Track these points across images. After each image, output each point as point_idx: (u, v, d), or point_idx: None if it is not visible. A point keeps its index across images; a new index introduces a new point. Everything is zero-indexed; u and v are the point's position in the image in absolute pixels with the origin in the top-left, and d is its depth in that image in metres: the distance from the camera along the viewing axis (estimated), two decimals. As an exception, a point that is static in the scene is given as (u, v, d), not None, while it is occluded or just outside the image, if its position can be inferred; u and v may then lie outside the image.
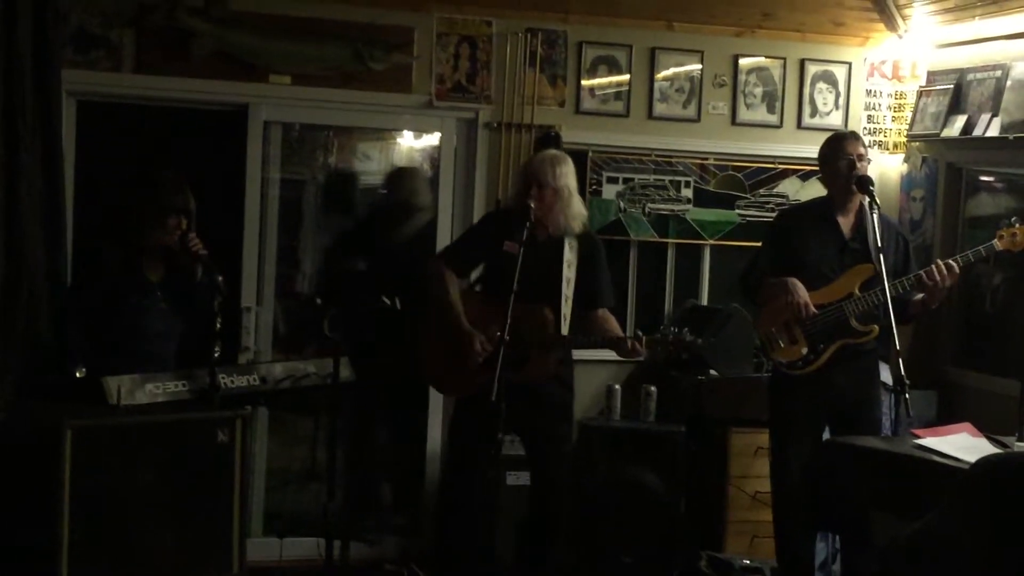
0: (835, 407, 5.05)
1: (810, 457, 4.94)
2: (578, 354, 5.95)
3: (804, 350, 5.02)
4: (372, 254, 6.28)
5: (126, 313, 4.66)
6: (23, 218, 4.78)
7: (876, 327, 4.89)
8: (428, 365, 5.11)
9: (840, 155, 5.05)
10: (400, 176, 6.40)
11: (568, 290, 4.87)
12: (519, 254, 4.65)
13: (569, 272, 4.89)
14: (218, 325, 4.42)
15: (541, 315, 4.82)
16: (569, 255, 4.90)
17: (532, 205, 4.81)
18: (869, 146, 5.48)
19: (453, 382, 5.07)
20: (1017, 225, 4.87)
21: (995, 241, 4.89)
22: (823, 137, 5.26)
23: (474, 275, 5.19)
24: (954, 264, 4.84)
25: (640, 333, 4.80)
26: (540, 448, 5.04)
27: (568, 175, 4.93)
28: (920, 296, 4.96)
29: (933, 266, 4.85)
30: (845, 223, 5.08)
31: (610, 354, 6.16)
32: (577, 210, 4.98)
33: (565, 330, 4.87)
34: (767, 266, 5.15)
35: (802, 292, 4.96)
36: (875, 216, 4.85)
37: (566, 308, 4.85)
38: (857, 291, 4.96)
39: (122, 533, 4.06)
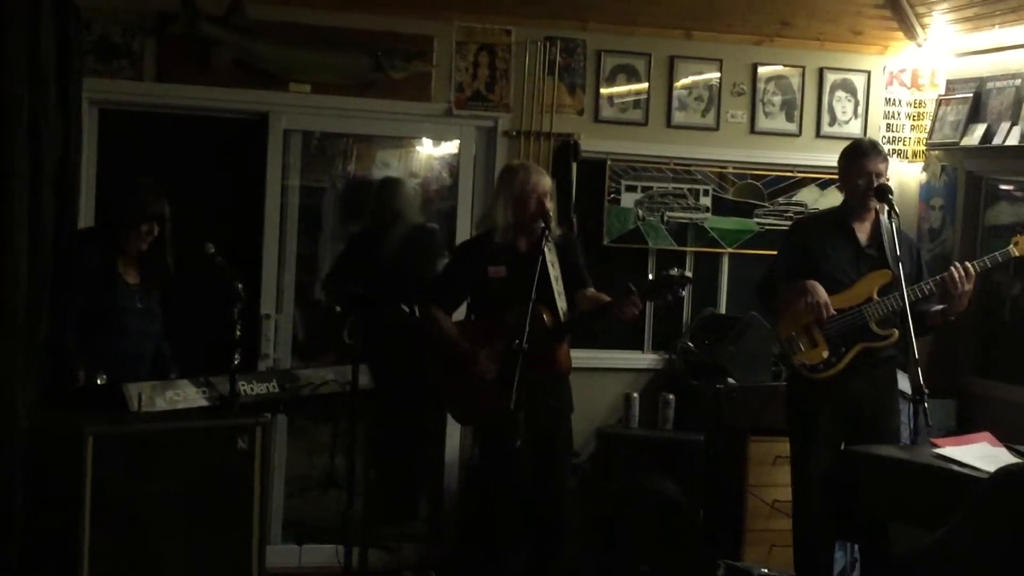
0: (853, 415, 5.01)
1: (830, 465, 4.93)
2: (597, 362, 6.03)
3: (825, 353, 4.97)
4: (373, 276, 6.24)
5: (109, 313, 4.75)
6: (46, 225, 4.81)
7: (896, 331, 4.87)
8: (446, 400, 5.15)
9: (859, 172, 4.99)
10: (380, 189, 6.32)
11: (558, 287, 4.90)
12: (539, 264, 4.69)
13: (555, 271, 4.91)
14: (238, 333, 4.45)
15: (538, 311, 4.79)
16: (550, 256, 4.92)
17: (551, 214, 4.87)
18: (888, 155, 5.41)
19: (471, 410, 5.04)
20: None
21: (1011, 247, 4.86)
22: (842, 146, 5.21)
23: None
24: (971, 267, 4.82)
25: (631, 286, 4.79)
26: (551, 456, 5.00)
27: None
28: (939, 307, 4.92)
29: (952, 268, 4.82)
30: (861, 230, 5.06)
31: (628, 362, 6.25)
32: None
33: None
34: (783, 273, 5.13)
35: (821, 293, 4.92)
36: (893, 223, 4.85)
37: (561, 303, 4.87)
38: (876, 295, 4.94)
39: (142, 539, 4.09)
